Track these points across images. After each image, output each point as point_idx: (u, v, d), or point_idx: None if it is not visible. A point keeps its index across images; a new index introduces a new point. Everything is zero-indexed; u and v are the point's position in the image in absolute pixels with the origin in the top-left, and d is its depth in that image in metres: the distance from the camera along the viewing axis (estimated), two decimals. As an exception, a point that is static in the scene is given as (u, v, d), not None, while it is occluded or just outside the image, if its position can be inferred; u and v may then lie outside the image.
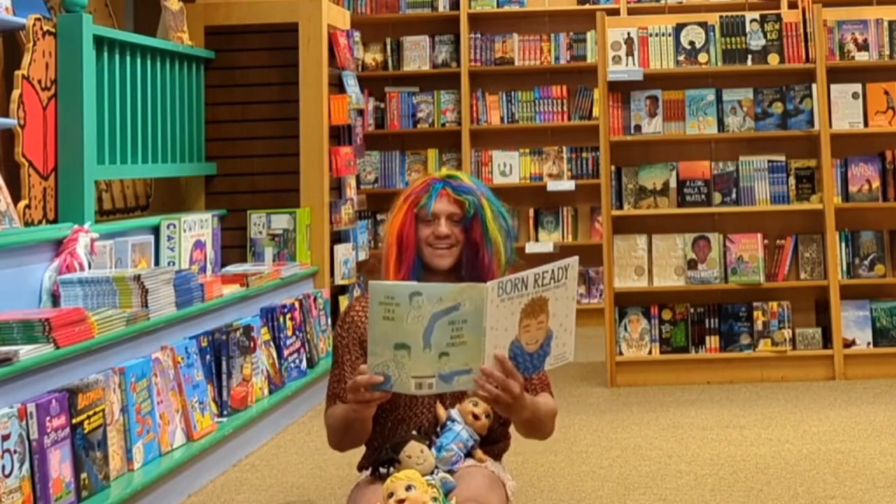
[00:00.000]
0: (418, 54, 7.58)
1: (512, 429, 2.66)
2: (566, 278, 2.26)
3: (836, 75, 5.54)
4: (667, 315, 5.42)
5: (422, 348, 2.17)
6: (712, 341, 5.41)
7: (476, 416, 2.47)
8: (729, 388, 5.23)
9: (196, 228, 4.85)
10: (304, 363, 5.08)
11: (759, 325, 5.39)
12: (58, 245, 3.85)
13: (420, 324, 2.16)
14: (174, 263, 4.62)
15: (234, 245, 5.47)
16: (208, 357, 4.18)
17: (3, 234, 3.63)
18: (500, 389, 2.24)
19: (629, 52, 5.55)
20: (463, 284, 2.21)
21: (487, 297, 2.15)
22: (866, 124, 5.52)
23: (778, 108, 5.53)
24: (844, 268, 5.42)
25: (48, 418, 3.03)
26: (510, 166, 7.49)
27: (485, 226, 2.52)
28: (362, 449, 2.62)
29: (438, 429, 2.47)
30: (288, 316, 4.96)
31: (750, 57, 5.54)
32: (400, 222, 2.53)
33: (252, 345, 4.46)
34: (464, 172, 2.64)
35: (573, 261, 2.28)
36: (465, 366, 2.20)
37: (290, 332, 4.95)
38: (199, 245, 4.87)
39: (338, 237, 5.82)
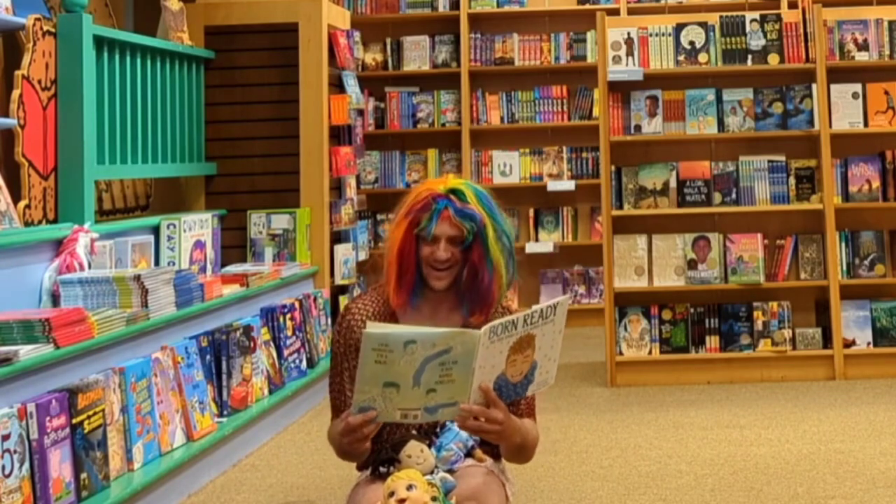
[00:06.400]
0: (418, 54, 7.58)
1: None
2: (554, 315, 2.28)
3: (836, 75, 5.54)
4: (667, 315, 5.42)
5: (410, 386, 2.20)
6: (712, 341, 5.41)
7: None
8: (729, 388, 5.23)
9: (196, 228, 4.85)
10: (304, 363, 5.07)
11: (759, 325, 5.39)
12: (58, 245, 3.85)
13: (412, 367, 2.18)
14: (174, 263, 4.61)
15: (234, 245, 5.47)
16: (208, 357, 4.18)
17: (3, 234, 3.63)
18: (484, 420, 2.26)
19: (629, 52, 5.55)
20: (457, 330, 2.22)
21: (480, 341, 2.17)
22: (866, 124, 5.52)
23: (778, 108, 5.53)
24: (844, 268, 5.42)
25: (48, 418, 3.03)
26: (510, 166, 7.49)
27: (486, 247, 2.47)
28: (363, 449, 2.62)
29: (438, 429, 2.47)
30: (288, 316, 4.96)
31: (750, 57, 5.54)
32: (400, 241, 2.49)
33: (252, 345, 4.46)
34: (468, 183, 2.54)
35: (564, 299, 2.31)
36: (450, 399, 2.23)
37: (290, 332, 4.95)
38: (199, 245, 4.87)
39: (338, 237, 5.82)
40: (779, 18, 5.58)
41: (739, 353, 5.39)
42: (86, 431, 3.21)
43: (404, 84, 7.62)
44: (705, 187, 5.49)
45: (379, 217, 7.27)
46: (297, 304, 5.10)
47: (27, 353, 3.12)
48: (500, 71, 7.58)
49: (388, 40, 7.62)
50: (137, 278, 3.78)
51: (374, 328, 2.22)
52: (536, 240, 7.39)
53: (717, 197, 5.49)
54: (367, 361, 2.18)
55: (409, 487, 2.20)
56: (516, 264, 2.56)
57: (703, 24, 5.57)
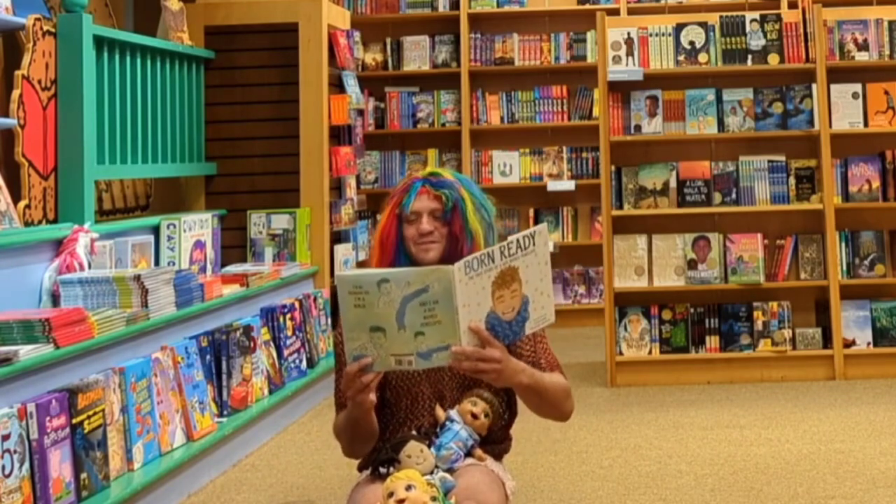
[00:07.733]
0: (418, 54, 7.58)
1: (512, 430, 2.66)
2: (534, 245, 2.29)
3: (836, 75, 5.54)
4: (667, 315, 5.42)
5: (396, 329, 2.19)
6: (712, 341, 5.41)
7: (475, 416, 2.47)
8: (729, 388, 5.23)
9: (196, 228, 4.85)
10: (304, 363, 5.08)
11: (759, 325, 5.39)
12: (58, 245, 3.86)
13: (392, 308, 2.18)
14: (174, 263, 4.62)
15: (234, 245, 5.47)
16: (208, 357, 4.18)
17: (3, 234, 3.63)
18: (479, 361, 2.24)
19: (629, 52, 5.55)
20: (430, 268, 2.23)
21: (455, 277, 2.16)
22: (866, 124, 5.52)
23: (778, 108, 5.53)
24: (844, 268, 5.42)
25: (48, 418, 3.03)
26: (510, 166, 7.49)
27: (464, 218, 2.52)
28: (364, 449, 2.62)
29: (438, 429, 2.48)
30: (288, 316, 4.96)
31: (750, 57, 5.54)
32: (382, 225, 2.56)
33: (252, 345, 4.46)
34: (447, 169, 2.65)
35: (540, 227, 2.32)
36: (441, 342, 2.21)
37: (290, 332, 4.95)
38: (199, 245, 4.87)
39: (338, 237, 5.82)
40: (779, 18, 5.58)
41: (739, 353, 5.39)
42: (86, 431, 3.21)
43: (404, 84, 7.62)
44: (705, 187, 5.49)
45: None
46: (297, 304, 5.10)
47: (27, 353, 3.13)
48: (500, 71, 7.58)
49: (388, 40, 7.62)
50: (137, 278, 3.78)
51: (346, 272, 2.25)
52: (536, 240, 7.38)
53: (717, 197, 5.49)
54: (347, 307, 2.21)
55: (408, 488, 2.20)
56: (497, 237, 2.58)
57: (703, 24, 5.57)
